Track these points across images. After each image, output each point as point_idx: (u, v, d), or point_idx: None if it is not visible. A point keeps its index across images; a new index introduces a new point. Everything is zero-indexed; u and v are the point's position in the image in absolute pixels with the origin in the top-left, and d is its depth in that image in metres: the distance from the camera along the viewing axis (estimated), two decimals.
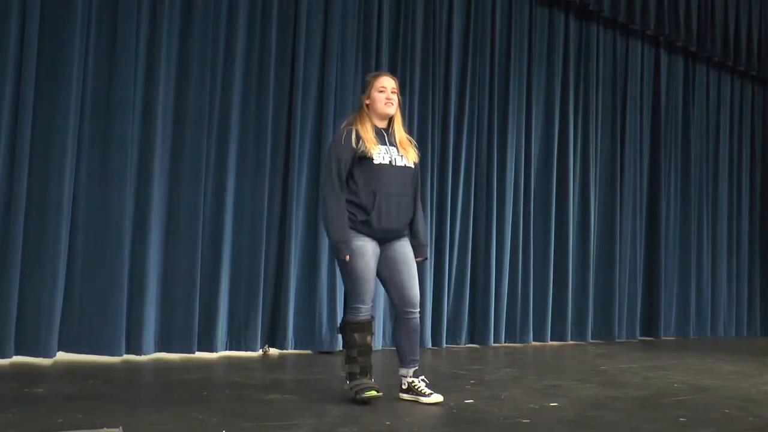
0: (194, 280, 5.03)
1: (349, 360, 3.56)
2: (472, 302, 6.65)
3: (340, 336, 5.55)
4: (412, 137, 3.87)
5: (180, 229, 5.04)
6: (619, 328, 7.77)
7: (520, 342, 6.91)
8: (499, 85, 6.97)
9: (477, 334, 6.66)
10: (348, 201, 3.53)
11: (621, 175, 7.96)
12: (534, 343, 7.02)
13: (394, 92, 3.66)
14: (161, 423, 2.91)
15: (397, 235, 3.62)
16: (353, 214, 3.52)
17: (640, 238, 8.22)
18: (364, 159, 3.52)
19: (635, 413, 3.57)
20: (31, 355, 4.46)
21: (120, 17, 4.83)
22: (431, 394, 3.61)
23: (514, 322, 6.91)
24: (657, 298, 8.25)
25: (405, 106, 6.12)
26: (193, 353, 5.03)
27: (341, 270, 3.62)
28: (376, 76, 3.71)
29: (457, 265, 6.55)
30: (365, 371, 3.54)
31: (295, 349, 5.54)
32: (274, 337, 5.51)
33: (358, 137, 3.54)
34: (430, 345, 6.24)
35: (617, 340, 7.68)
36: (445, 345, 6.38)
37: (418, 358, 3.69)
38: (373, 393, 3.45)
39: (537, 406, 3.63)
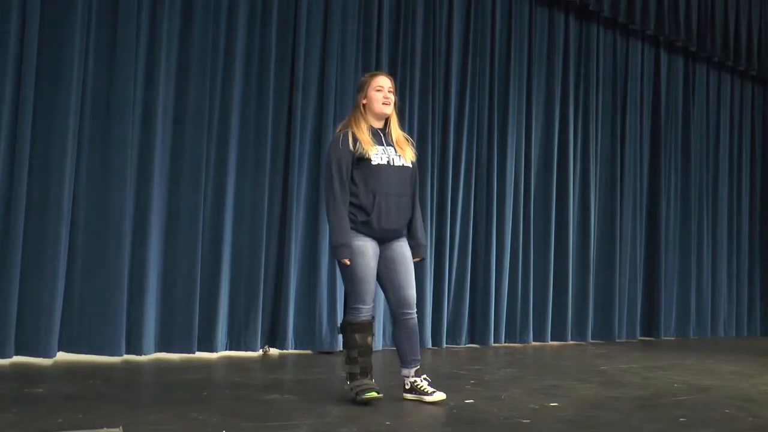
0: (194, 280, 5.03)
1: (350, 360, 3.56)
2: (472, 302, 6.65)
3: (340, 336, 5.57)
4: (412, 138, 3.87)
5: (180, 229, 5.04)
6: (619, 329, 7.77)
7: (520, 342, 6.91)
8: (499, 86, 6.97)
9: (477, 334, 6.66)
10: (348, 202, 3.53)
11: (621, 176, 7.96)
12: (534, 343, 7.02)
13: (391, 91, 3.66)
14: (161, 423, 2.91)
15: (396, 235, 3.63)
16: (353, 215, 3.52)
17: (641, 239, 8.22)
18: (362, 160, 3.52)
19: (635, 413, 3.57)
20: (31, 355, 4.46)
21: (120, 17, 4.83)
22: (434, 392, 3.61)
23: (514, 322, 6.91)
24: (657, 298, 8.25)
25: (405, 108, 6.13)
26: (193, 353, 5.03)
27: (342, 271, 3.63)
28: (373, 76, 3.71)
29: (457, 266, 6.55)
30: (366, 372, 3.54)
31: (295, 349, 5.54)
32: (274, 338, 5.51)
33: (355, 139, 3.55)
34: (430, 345, 6.24)
35: (617, 341, 7.68)
36: (445, 345, 6.38)
37: (419, 357, 3.69)
38: (374, 394, 3.45)
39: (537, 406, 3.63)
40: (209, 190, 5.23)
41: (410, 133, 5.86)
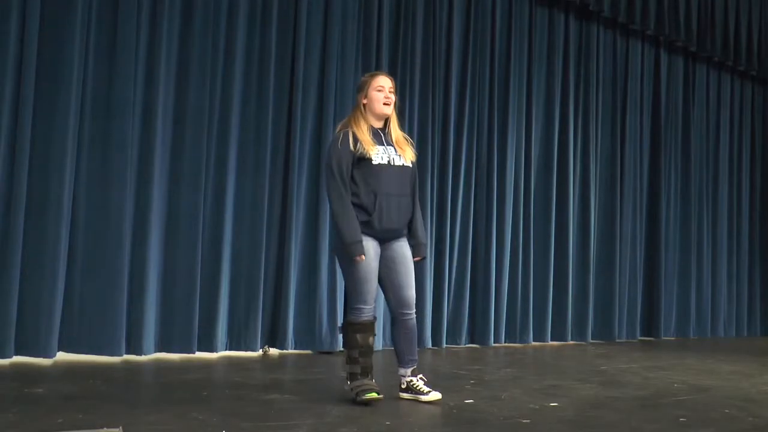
0: (194, 280, 5.03)
1: (351, 360, 3.56)
2: (472, 302, 6.65)
3: (340, 336, 5.57)
4: (412, 139, 3.87)
5: (180, 229, 5.04)
6: (619, 329, 7.77)
7: (520, 342, 6.91)
8: (499, 86, 6.97)
9: (477, 334, 6.66)
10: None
11: (621, 176, 7.96)
12: (534, 343, 7.02)
13: (392, 92, 3.67)
14: (161, 423, 2.91)
15: (397, 235, 3.63)
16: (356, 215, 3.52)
17: (641, 239, 8.22)
18: (363, 160, 3.52)
19: (635, 413, 3.57)
20: (31, 355, 4.46)
21: (120, 17, 4.83)
22: (430, 392, 3.62)
23: (514, 322, 6.91)
24: (657, 298, 8.25)
25: (405, 108, 6.13)
26: (193, 353, 5.03)
27: (344, 270, 3.62)
28: (374, 76, 3.71)
29: (457, 266, 6.55)
30: (366, 372, 3.54)
31: (295, 349, 5.54)
32: (274, 338, 5.51)
33: (356, 139, 3.55)
34: (430, 345, 6.24)
35: (617, 341, 7.68)
36: (445, 345, 6.38)
37: (416, 357, 3.69)
38: (374, 395, 3.45)
39: (537, 406, 3.63)
40: (209, 190, 5.23)
41: (410, 133, 5.86)
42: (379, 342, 5.77)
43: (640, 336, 8.14)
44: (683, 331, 8.58)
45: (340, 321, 5.64)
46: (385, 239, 3.59)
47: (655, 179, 8.39)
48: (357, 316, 3.55)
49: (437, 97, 6.47)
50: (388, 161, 3.57)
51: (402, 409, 3.46)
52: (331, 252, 5.59)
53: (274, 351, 5.54)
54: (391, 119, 3.70)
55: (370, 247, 3.53)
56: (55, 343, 4.51)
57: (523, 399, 3.83)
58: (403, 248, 3.65)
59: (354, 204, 3.52)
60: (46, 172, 4.54)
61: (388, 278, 3.61)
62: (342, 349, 5.54)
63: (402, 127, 3.84)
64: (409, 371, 3.67)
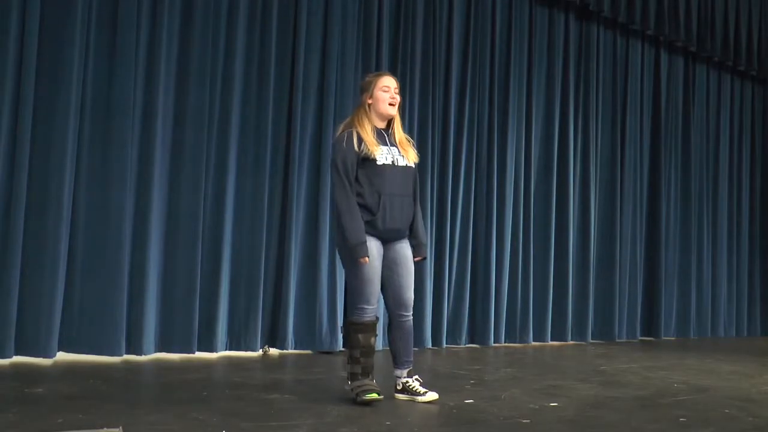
0: (194, 280, 5.03)
1: (352, 360, 3.56)
2: (472, 302, 6.65)
3: (340, 336, 5.58)
4: (412, 139, 3.87)
5: (180, 229, 5.04)
6: (619, 329, 7.77)
7: (520, 342, 6.91)
8: (499, 86, 6.97)
9: (477, 334, 6.66)
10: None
11: (621, 176, 7.96)
12: (534, 343, 7.02)
13: (397, 92, 3.67)
14: (161, 423, 2.91)
15: (399, 236, 3.63)
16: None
17: (641, 239, 8.22)
18: (367, 160, 3.52)
19: (635, 413, 3.57)
20: (31, 355, 4.45)
21: (120, 17, 4.83)
22: (426, 392, 3.63)
23: (514, 322, 6.91)
24: (657, 298, 8.25)
25: (405, 108, 6.13)
26: (193, 353, 5.02)
27: (347, 269, 3.62)
28: (379, 76, 3.71)
29: (457, 266, 6.55)
30: (367, 372, 3.54)
31: (295, 349, 5.54)
32: (274, 338, 5.51)
33: (360, 139, 3.54)
34: (430, 345, 6.23)
35: (617, 340, 7.68)
36: (445, 345, 6.38)
37: (412, 358, 3.70)
38: (375, 395, 3.45)
39: (537, 406, 3.63)
40: (209, 190, 5.23)
41: (410, 133, 5.86)
42: (379, 342, 5.76)
43: (640, 336, 8.14)
44: (683, 331, 8.58)
45: (340, 321, 5.64)
46: (388, 239, 3.59)
47: (655, 179, 8.39)
48: (359, 316, 3.55)
49: (437, 97, 6.47)
50: (392, 162, 3.58)
51: (402, 409, 3.46)
52: (335, 248, 5.59)
53: (274, 351, 5.54)
54: (395, 120, 3.70)
55: (374, 247, 3.52)
56: (55, 343, 4.51)
57: (523, 399, 3.83)
58: (404, 249, 3.65)
59: (358, 204, 3.52)
60: (46, 172, 4.54)
61: (388, 279, 3.61)
62: (342, 349, 5.54)
63: (403, 127, 3.84)
64: (404, 372, 3.67)
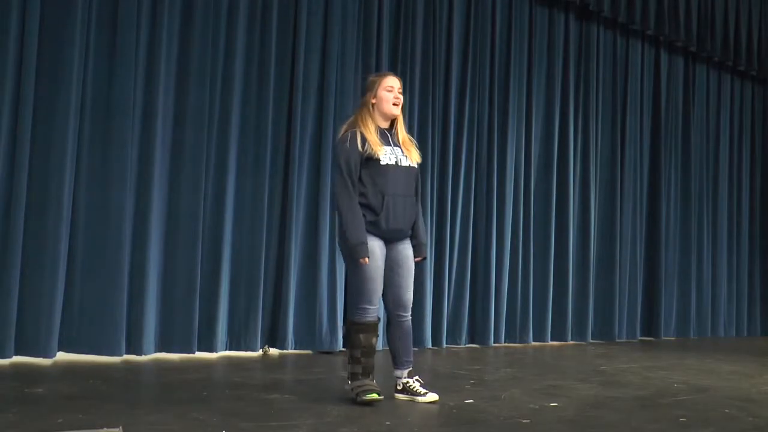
0: (194, 280, 5.03)
1: (353, 360, 3.56)
2: (472, 302, 6.65)
3: (340, 336, 5.58)
4: (412, 138, 3.88)
5: (180, 229, 5.04)
6: (619, 329, 7.77)
7: (520, 342, 6.91)
8: (499, 86, 6.97)
9: (477, 334, 6.66)
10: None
11: (621, 176, 7.96)
12: (534, 343, 7.02)
13: (401, 92, 3.68)
14: (161, 423, 2.91)
15: (402, 236, 3.63)
16: (362, 215, 3.51)
17: (641, 239, 8.22)
18: (371, 160, 3.53)
19: (635, 413, 3.57)
20: (31, 355, 4.45)
21: (120, 17, 4.83)
22: (426, 393, 3.63)
23: (514, 322, 6.91)
24: (657, 298, 8.25)
25: (405, 108, 6.11)
26: (193, 353, 5.02)
27: (350, 270, 3.62)
28: (383, 76, 3.71)
29: (457, 266, 6.55)
30: (368, 372, 3.54)
31: (295, 349, 5.54)
32: (274, 338, 5.51)
33: (363, 139, 3.55)
34: (430, 345, 6.23)
35: (617, 341, 7.68)
36: (445, 345, 6.38)
37: (411, 359, 3.70)
38: (375, 396, 3.45)
39: (537, 406, 3.63)
40: (209, 190, 5.23)
41: (410, 132, 5.81)
42: (379, 342, 5.76)
43: (640, 336, 8.14)
44: (683, 331, 8.58)
45: (340, 321, 5.64)
46: (390, 240, 3.59)
47: (655, 179, 8.39)
48: (361, 316, 3.54)
49: (437, 97, 6.47)
50: (396, 162, 3.58)
51: (402, 409, 3.46)
52: (335, 248, 5.60)
53: (274, 351, 5.54)
54: (398, 120, 3.71)
55: (377, 247, 3.52)
56: (55, 343, 4.51)
57: (523, 399, 3.83)
58: (407, 250, 3.65)
59: (361, 204, 3.52)
60: (46, 172, 4.54)
61: (389, 279, 3.61)
62: (342, 349, 5.54)
63: (406, 127, 3.85)
64: (405, 372, 3.67)
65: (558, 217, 7.32)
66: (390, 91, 3.64)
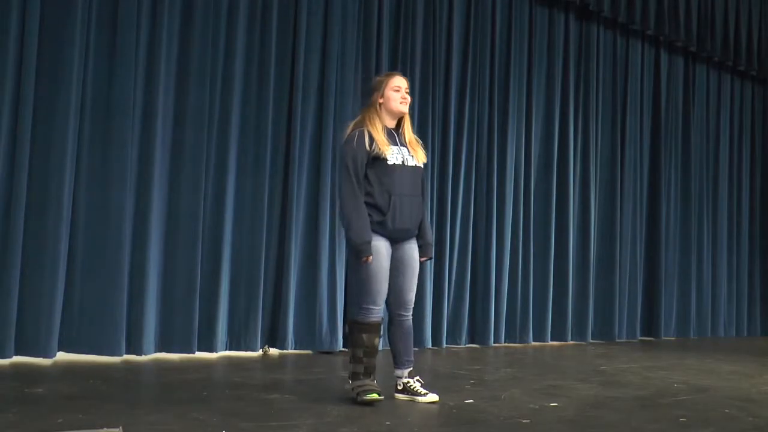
0: (194, 280, 5.03)
1: (354, 359, 3.56)
2: (472, 302, 6.65)
3: (340, 336, 5.58)
4: (418, 138, 3.88)
5: (180, 229, 5.04)
6: (619, 329, 7.77)
7: (520, 342, 6.91)
8: (499, 86, 6.97)
9: (477, 334, 6.66)
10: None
11: (621, 176, 7.96)
12: (534, 343, 7.02)
13: (408, 92, 3.68)
14: (161, 423, 2.91)
15: (409, 236, 3.64)
16: (368, 215, 3.51)
17: (641, 239, 8.22)
18: (378, 160, 3.53)
19: (635, 413, 3.57)
20: (31, 355, 4.45)
21: (120, 17, 4.83)
22: (427, 393, 3.63)
23: (514, 322, 6.91)
24: (657, 298, 8.25)
25: None
26: (193, 353, 5.02)
27: (355, 270, 3.62)
28: (390, 76, 3.72)
29: (457, 266, 6.55)
30: (369, 372, 3.54)
31: (295, 349, 5.54)
32: (274, 338, 5.51)
33: (371, 138, 3.55)
34: (430, 345, 6.23)
35: (617, 341, 7.68)
36: (445, 345, 6.38)
37: (412, 358, 3.70)
38: (375, 396, 3.45)
39: (537, 406, 3.63)
40: (209, 190, 5.23)
41: None
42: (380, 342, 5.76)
43: (640, 336, 8.14)
44: (683, 331, 8.58)
45: (340, 321, 5.64)
46: (397, 239, 3.59)
47: (655, 179, 8.39)
48: (365, 316, 3.54)
49: (437, 97, 6.47)
50: (402, 161, 3.58)
51: (402, 409, 3.46)
52: (335, 248, 5.60)
53: (274, 351, 5.54)
54: (405, 120, 3.72)
55: (383, 247, 3.52)
56: (55, 343, 4.51)
57: (523, 399, 3.83)
58: (412, 250, 3.66)
59: (368, 204, 3.52)
60: (46, 172, 4.54)
61: (393, 279, 3.61)
62: (342, 349, 5.54)
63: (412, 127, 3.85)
64: (405, 372, 3.67)
65: (558, 217, 7.32)
66: (397, 91, 3.65)
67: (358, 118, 3.73)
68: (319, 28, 5.77)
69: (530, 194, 7.16)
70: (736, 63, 9.18)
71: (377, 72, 5.89)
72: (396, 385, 3.70)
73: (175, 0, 5.12)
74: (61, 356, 4.60)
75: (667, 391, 4.30)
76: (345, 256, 5.69)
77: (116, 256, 4.72)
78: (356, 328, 3.55)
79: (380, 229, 3.52)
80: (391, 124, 3.68)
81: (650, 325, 8.25)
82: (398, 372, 3.68)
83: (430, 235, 3.77)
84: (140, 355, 4.80)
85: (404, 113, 3.68)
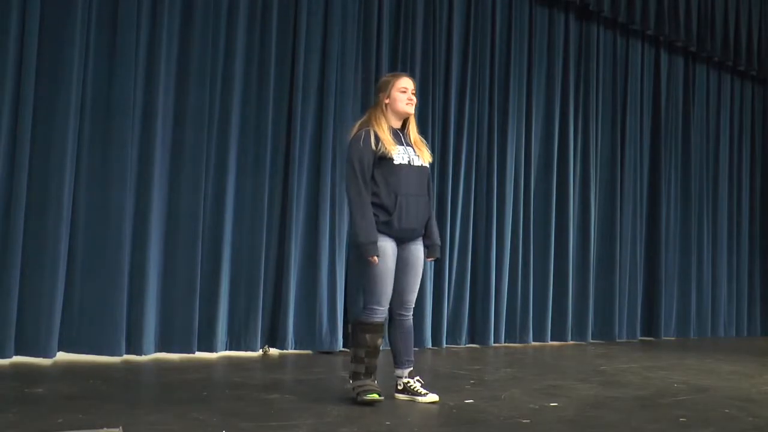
0: (194, 280, 5.03)
1: (356, 359, 3.56)
2: (472, 302, 6.65)
3: (341, 335, 5.58)
4: (423, 138, 3.89)
5: (180, 229, 5.04)
6: (619, 329, 7.77)
7: (520, 342, 6.91)
8: (499, 86, 6.97)
9: (477, 334, 6.66)
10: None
11: (621, 176, 7.96)
12: (534, 343, 7.02)
13: (414, 93, 3.69)
14: (161, 423, 2.91)
15: (415, 236, 3.63)
16: (375, 215, 3.51)
17: (641, 239, 8.21)
18: (384, 159, 3.53)
19: (635, 413, 3.57)
20: (31, 355, 4.45)
21: (120, 17, 4.83)
22: (427, 393, 3.63)
23: (514, 322, 6.91)
24: (657, 298, 8.25)
25: None
26: (193, 353, 5.02)
27: (360, 270, 3.62)
28: (397, 77, 3.72)
29: (457, 266, 6.55)
30: (369, 372, 3.54)
31: (295, 349, 5.54)
32: (274, 338, 5.51)
33: (377, 138, 3.55)
34: (430, 345, 6.23)
35: (617, 341, 7.68)
36: (445, 345, 6.38)
37: (412, 358, 3.70)
38: (376, 396, 3.45)
39: (537, 406, 3.63)
40: (209, 190, 5.23)
41: None
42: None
43: (640, 336, 8.14)
44: (683, 331, 8.58)
45: (340, 321, 5.64)
46: (403, 240, 3.59)
47: (655, 179, 8.39)
48: (368, 317, 3.54)
49: (437, 97, 6.47)
50: (408, 161, 3.59)
51: (402, 409, 3.46)
52: (335, 248, 5.60)
53: (274, 351, 5.54)
54: (410, 120, 3.73)
55: (389, 247, 3.52)
56: (55, 343, 4.51)
57: (523, 399, 3.83)
58: (418, 251, 3.65)
59: (374, 204, 3.52)
60: (46, 172, 4.54)
61: (396, 278, 3.60)
62: (342, 349, 5.54)
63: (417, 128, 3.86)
64: (406, 372, 3.67)
65: (558, 217, 7.32)
66: (404, 92, 3.65)
67: (363, 118, 3.73)
68: (319, 28, 5.77)
69: (530, 194, 7.16)
70: (736, 63, 9.18)
71: (377, 72, 5.90)
72: (396, 385, 3.70)
73: (175, 0, 5.11)
74: (61, 356, 4.60)
75: (667, 391, 4.30)
76: (345, 255, 5.69)
77: (116, 256, 4.72)
78: (359, 328, 3.55)
79: (386, 229, 3.51)
80: (397, 124, 3.69)
81: (650, 325, 8.24)
82: (398, 372, 3.69)
83: (437, 236, 3.75)
84: (140, 355, 4.80)
85: (410, 114, 3.69)
